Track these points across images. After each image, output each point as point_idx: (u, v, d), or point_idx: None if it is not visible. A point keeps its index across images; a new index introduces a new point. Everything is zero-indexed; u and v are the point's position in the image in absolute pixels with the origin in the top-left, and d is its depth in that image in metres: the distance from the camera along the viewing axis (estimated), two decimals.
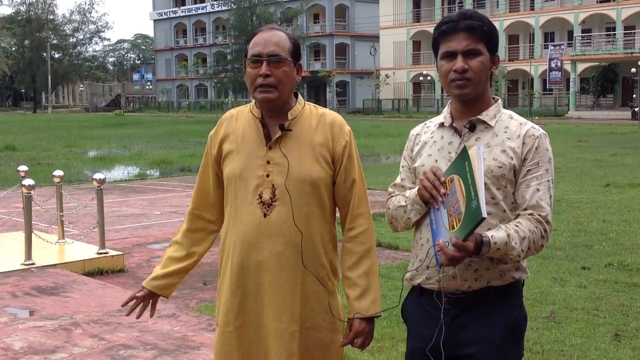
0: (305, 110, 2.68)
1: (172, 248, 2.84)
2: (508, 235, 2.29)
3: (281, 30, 2.68)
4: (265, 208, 2.59)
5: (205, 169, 2.79)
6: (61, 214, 8.42)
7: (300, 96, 2.71)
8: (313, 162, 2.61)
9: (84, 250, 8.02)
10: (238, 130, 2.68)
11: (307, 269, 2.60)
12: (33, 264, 7.36)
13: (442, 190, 2.33)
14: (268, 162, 2.61)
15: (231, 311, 2.65)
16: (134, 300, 2.84)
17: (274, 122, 2.63)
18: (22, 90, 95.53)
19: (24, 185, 7.65)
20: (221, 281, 2.73)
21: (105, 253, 7.77)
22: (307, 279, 2.61)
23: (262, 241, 2.59)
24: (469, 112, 2.48)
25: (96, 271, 7.50)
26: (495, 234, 2.28)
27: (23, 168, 9.08)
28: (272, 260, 2.59)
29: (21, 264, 7.34)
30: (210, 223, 2.81)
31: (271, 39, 2.60)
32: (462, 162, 2.27)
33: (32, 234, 7.54)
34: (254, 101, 2.71)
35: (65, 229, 8.54)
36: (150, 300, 2.87)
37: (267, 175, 2.60)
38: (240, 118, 2.72)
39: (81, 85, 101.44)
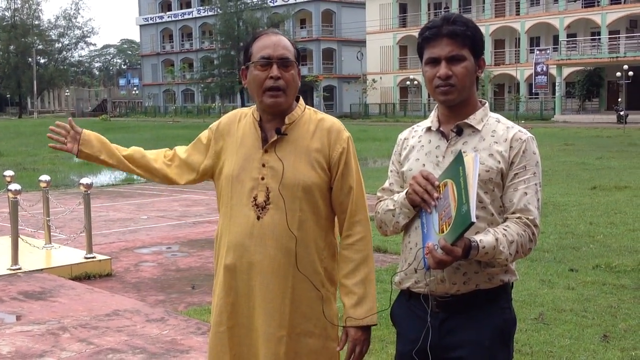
0: (305, 114, 2.67)
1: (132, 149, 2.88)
2: (496, 240, 2.29)
3: (284, 35, 2.69)
4: (259, 211, 2.60)
5: (195, 148, 2.80)
6: (48, 218, 8.37)
7: (301, 100, 2.71)
8: (308, 167, 2.61)
9: (71, 255, 7.98)
10: (239, 132, 2.70)
11: (299, 274, 2.59)
12: (20, 268, 7.31)
13: (435, 194, 2.33)
14: (263, 165, 2.61)
15: (224, 311, 2.65)
16: (64, 131, 2.86)
17: (272, 125, 2.63)
18: (8, 96, 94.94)
19: (10, 190, 7.61)
20: (215, 282, 2.73)
21: (92, 258, 7.73)
22: (299, 284, 2.60)
23: (254, 243, 2.59)
24: (456, 117, 2.48)
25: (83, 276, 7.47)
26: (484, 238, 2.29)
27: (9, 173, 9.03)
28: (264, 263, 2.59)
29: (8, 269, 7.29)
30: (161, 165, 2.83)
31: (280, 42, 2.62)
32: (456, 166, 2.27)
33: (19, 238, 7.49)
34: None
35: (52, 233, 8.49)
36: (71, 140, 2.85)
37: (262, 178, 2.60)
38: (243, 119, 2.73)
39: (67, 91, 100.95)
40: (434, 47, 2.43)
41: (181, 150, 2.84)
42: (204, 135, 2.81)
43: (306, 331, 2.62)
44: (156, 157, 2.84)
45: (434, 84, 2.44)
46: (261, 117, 2.66)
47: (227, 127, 2.75)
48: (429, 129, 2.55)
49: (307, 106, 2.72)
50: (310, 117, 2.68)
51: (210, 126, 2.81)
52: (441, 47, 2.41)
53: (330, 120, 2.70)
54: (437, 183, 2.34)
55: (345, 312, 2.64)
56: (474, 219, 2.13)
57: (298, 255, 2.58)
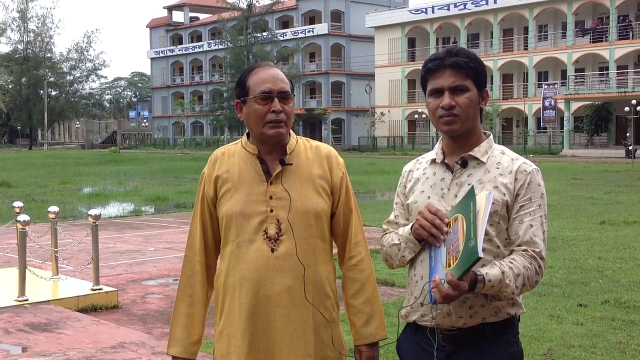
0: (300, 144, 2.70)
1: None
2: (502, 273, 2.29)
3: (277, 67, 2.72)
4: (272, 243, 2.59)
5: (202, 212, 2.73)
6: (55, 250, 8.38)
7: (291, 130, 2.73)
8: (315, 194, 2.63)
9: (78, 287, 7.97)
10: (233, 168, 2.67)
11: (313, 301, 2.60)
12: (27, 300, 7.31)
13: (445, 229, 2.34)
14: (271, 198, 2.61)
15: (242, 352, 2.60)
16: None
17: (272, 157, 2.64)
18: (18, 127, 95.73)
19: (19, 221, 7.62)
20: (226, 323, 2.66)
21: (99, 289, 7.72)
22: (317, 310, 2.61)
23: (271, 276, 2.58)
24: (460, 148, 2.49)
25: (90, 307, 7.45)
26: (490, 271, 2.29)
27: (18, 204, 9.06)
28: (283, 295, 2.58)
29: (15, 300, 7.29)
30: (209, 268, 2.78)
31: (278, 75, 2.64)
32: (467, 201, 2.29)
33: (26, 269, 7.50)
34: (245, 138, 2.71)
35: (59, 265, 8.49)
36: None
37: (271, 211, 2.60)
38: (232, 155, 2.70)
39: (77, 123, 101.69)
40: (437, 78, 2.46)
41: (204, 242, 2.76)
42: (200, 189, 2.74)
43: (325, 357, 2.64)
44: (203, 275, 2.77)
45: (437, 114, 2.46)
46: (259, 150, 2.66)
47: (218, 165, 2.70)
48: (433, 161, 2.57)
49: (297, 136, 2.74)
50: (305, 145, 2.71)
51: (201, 174, 2.75)
52: (444, 78, 2.44)
53: (326, 147, 2.75)
54: (446, 220, 2.35)
55: (357, 331, 2.67)
56: (481, 255, 2.14)
57: (312, 283, 2.60)
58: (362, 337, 2.65)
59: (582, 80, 52.90)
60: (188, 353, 2.71)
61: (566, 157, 46.12)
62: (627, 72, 51.24)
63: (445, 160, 2.53)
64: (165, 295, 8.18)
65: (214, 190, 2.69)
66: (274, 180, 2.62)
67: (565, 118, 51.21)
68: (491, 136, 2.56)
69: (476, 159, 2.47)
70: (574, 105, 51.80)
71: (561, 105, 51.44)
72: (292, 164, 2.63)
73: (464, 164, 2.48)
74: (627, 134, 45.36)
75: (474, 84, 2.45)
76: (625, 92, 47.80)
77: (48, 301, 7.39)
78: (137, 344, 5.95)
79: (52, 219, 8.53)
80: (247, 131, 2.73)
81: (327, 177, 2.67)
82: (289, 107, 2.63)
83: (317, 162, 2.67)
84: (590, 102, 51.39)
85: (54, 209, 8.60)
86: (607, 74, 51.84)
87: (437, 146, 2.59)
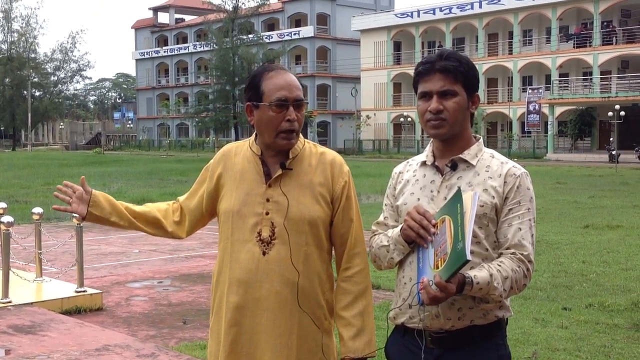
0: (305, 148, 2.67)
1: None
2: (491, 275, 2.30)
3: (290, 71, 2.70)
4: (264, 246, 2.57)
5: (194, 193, 2.78)
6: (39, 251, 8.32)
7: (300, 134, 2.71)
8: (312, 202, 2.60)
9: (62, 289, 7.91)
10: (236, 166, 2.67)
11: (303, 309, 2.57)
12: (10, 302, 7.24)
13: (432, 230, 2.34)
14: (267, 200, 2.59)
15: (224, 350, 2.59)
16: (70, 190, 2.72)
17: (275, 160, 2.62)
18: (2, 128, 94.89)
19: (2, 223, 7.56)
20: (215, 320, 2.66)
21: (83, 291, 7.67)
22: (304, 318, 2.58)
23: (260, 279, 2.56)
24: (450, 151, 2.50)
25: (74, 310, 7.40)
26: (478, 273, 2.29)
27: (1, 205, 8.96)
28: (271, 299, 2.56)
29: None
30: (171, 225, 2.79)
31: (294, 82, 2.61)
32: (454, 203, 2.29)
33: (10, 271, 7.43)
34: (253, 137, 2.70)
35: (43, 267, 8.43)
36: (78, 201, 2.73)
37: (267, 213, 2.58)
38: (238, 153, 2.70)
39: (61, 124, 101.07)
40: (427, 82, 2.47)
41: (185, 203, 2.80)
42: (201, 178, 2.78)
43: None
44: (165, 213, 2.79)
45: (425, 117, 2.48)
46: (262, 152, 2.65)
47: (223, 162, 2.72)
48: (423, 163, 2.57)
49: (305, 140, 2.71)
50: (310, 150, 2.68)
51: (205, 166, 2.79)
52: (433, 82, 2.45)
53: (331, 153, 2.70)
54: (433, 221, 2.35)
55: (344, 344, 2.62)
56: (469, 257, 2.14)
57: (302, 290, 2.57)
58: (348, 351, 2.61)
59: (566, 85, 53.21)
60: (95, 194, 2.74)
61: (550, 162, 46.34)
62: (610, 77, 51.60)
63: (436, 163, 2.53)
64: (150, 298, 8.14)
65: (216, 184, 2.71)
66: (272, 183, 2.60)
67: (549, 122, 51.51)
68: (481, 140, 2.57)
69: (466, 161, 2.48)
70: (558, 110, 52.10)
71: (545, 110, 51.72)
72: (292, 169, 2.61)
73: (453, 167, 2.49)
74: (611, 139, 45.65)
75: (463, 88, 2.46)
76: (608, 97, 48.12)
77: (32, 303, 7.33)
78: (121, 346, 5.91)
79: (36, 220, 8.46)
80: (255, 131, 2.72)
81: (329, 185, 2.63)
82: (301, 114, 2.61)
83: (320, 169, 2.64)
84: (574, 107, 51.71)
85: (37, 210, 8.53)
86: (591, 79, 52.17)
87: (428, 148, 2.60)
